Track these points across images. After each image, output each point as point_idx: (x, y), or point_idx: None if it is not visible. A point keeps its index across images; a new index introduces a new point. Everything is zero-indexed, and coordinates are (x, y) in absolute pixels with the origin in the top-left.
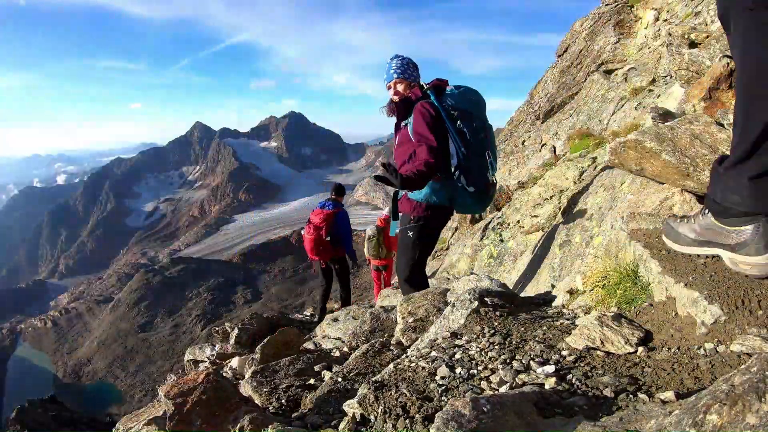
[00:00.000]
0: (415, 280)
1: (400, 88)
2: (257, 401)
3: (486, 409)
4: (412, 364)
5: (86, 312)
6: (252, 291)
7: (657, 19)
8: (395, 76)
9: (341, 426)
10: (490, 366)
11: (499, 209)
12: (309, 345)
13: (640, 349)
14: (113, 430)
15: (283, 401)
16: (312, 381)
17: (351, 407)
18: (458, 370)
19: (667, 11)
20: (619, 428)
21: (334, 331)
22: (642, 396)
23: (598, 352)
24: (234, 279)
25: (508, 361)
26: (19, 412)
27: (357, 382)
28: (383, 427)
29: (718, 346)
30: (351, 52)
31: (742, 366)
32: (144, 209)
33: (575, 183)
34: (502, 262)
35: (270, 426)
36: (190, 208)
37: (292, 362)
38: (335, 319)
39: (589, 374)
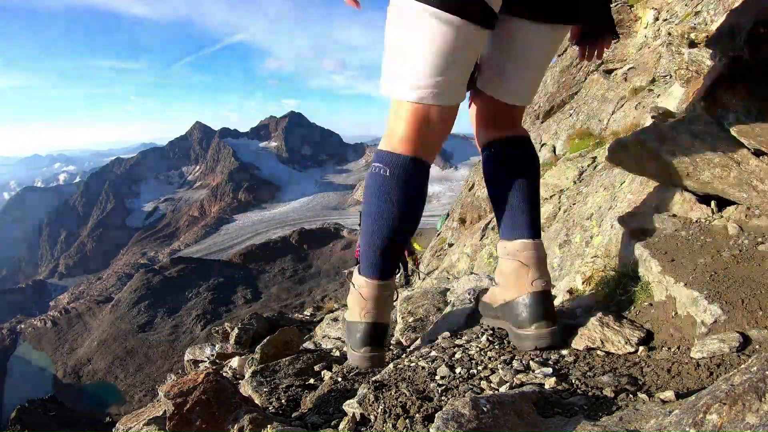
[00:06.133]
0: None
1: None
2: (257, 401)
3: (486, 409)
4: (412, 364)
5: (86, 312)
6: (252, 291)
7: (657, 19)
8: None
9: (341, 426)
10: (489, 366)
11: None
12: (309, 345)
13: (641, 348)
14: (113, 430)
15: (283, 401)
16: (312, 381)
17: (351, 407)
18: (458, 369)
19: (667, 11)
20: (619, 428)
21: (334, 331)
22: (642, 396)
23: (598, 352)
24: (234, 279)
25: (507, 360)
26: (19, 412)
27: (357, 382)
28: (383, 427)
29: None
30: (350, 51)
31: (742, 366)
32: (144, 209)
33: (575, 183)
34: None
35: (270, 426)
36: (190, 208)
37: (292, 362)
38: (335, 319)
39: (589, 374)
